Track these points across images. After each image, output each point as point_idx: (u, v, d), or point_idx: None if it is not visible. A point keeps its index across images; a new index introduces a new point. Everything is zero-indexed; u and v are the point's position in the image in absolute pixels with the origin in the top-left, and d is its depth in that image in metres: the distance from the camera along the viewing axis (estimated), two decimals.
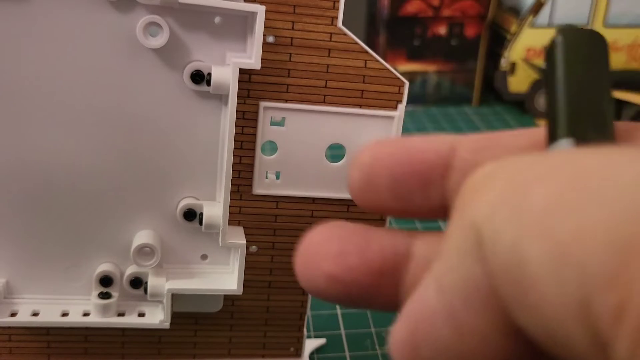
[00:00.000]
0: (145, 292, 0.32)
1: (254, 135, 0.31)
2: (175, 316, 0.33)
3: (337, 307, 0.43)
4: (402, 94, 0.31)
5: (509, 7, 0.76)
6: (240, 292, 0.32)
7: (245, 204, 0.32)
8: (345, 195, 0.33)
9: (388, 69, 0.31)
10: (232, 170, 0.30)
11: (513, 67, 0.73)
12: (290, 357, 0.37)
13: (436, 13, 0.72)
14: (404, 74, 0.33)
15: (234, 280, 0.32)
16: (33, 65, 0.28)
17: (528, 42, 0.73)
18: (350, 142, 0.32)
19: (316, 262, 0.14)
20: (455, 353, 0.11)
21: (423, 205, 0.14)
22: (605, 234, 0.08)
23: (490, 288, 0.10)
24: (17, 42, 0.28)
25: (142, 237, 0.31)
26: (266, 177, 0.32)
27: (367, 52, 0.30)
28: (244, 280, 0.32)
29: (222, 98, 0.30)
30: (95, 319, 0.32)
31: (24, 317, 0.32)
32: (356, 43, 0.30)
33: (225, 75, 0.28)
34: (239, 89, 0.28)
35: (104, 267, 0.32)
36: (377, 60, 0.30)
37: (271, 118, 0.31)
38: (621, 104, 0.65)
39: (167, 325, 0.32)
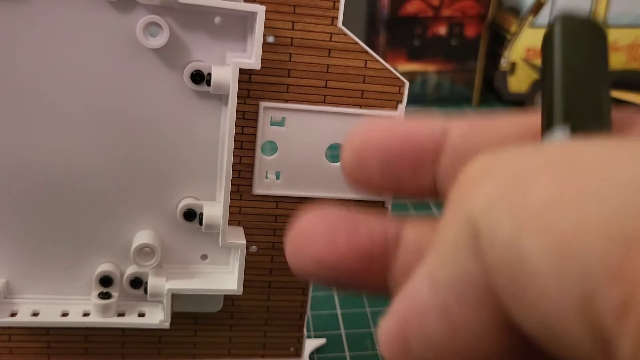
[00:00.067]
0: (145, 292, 0.32)
1: (254, 135, 0.31)
2: (175, 316, 0.33)
3: (337, 307, 0.43)
4: (402, 94, 0.31)
5: (509, 7, 0.76)
6: (240, 292, 0.32)
7: (245, 204, 0.32)
8: (346, 195, 0.33)
9: (388, 69, 0.31)
10: (232, 170, 0.30)
11: (513, 67, 0.73)
12: (290, 357, 0.37)
13: (436, 13, 0.72)
14: (404, 74, 0.33)
15: (234, 280, 0.32)
16: (33, 66, 0.28)
17: (528, 42, 0.73)
18: None
19: (305, 246, 0.14)
20: (447, 348, 0.10)
21: (413, 186, 0.14)
22: (607, 228, 0.08)
23: (485, 283, 0.10)
24: (17, 42, 0.28)
25: (142, 237, 0.31)
26: (266, 177, 0.32)
27: (367, 52, 0.30)
28: (244, 280, 0.32)
29: (222, 98, 0.30)
30: (95, 319, 0.32)
31: (24, 317, 0.32)
32: (356, 43, 0.30)
33: (225, 75, 0.28)
34: (239, 89, 0.28)
35: (104, 267, 0.32)
36: (377, 60, 0.30)
37: (271, 118, 0.31)
38: (621, 104, 0.65)
39: (167, 325, 0.32)
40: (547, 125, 0.12)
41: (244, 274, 0.32)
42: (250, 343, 0.36)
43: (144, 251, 0.31)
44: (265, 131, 0.31)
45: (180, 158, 0.31)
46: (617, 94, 0.69)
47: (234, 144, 0.29)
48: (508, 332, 0.10)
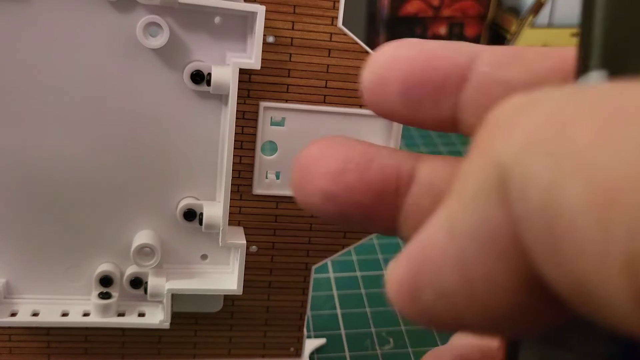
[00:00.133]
0: (145, 292, 0.32)
1: (254, 135, 0.31)
2: (175, 316, 0.33)
3: (337, 307, 0.43)
4: None
5: (509, 7, 0.76)
6: (240, 292, 0.32)
7: (245, 204, 0.32)
8: None
9: None
10: (232, 170, 0.30)
11: None
12: (290, 357, 0.37)
13: (436, 13, 0.72)
14: None
15: (234, 280, 0.32)
16: (32, 66, 0.28)
17: (528, 42, 0.73)
18: None
19: (313, 178, 0.13)
20: (461, 300, 0.10)
21: (432, 115, 0.13)
22: None
23: (510, 234, 0.09)
24: (17, 42, 0.28)
25: (142, 237, 0.31)
26: (266, 177, 0.32)
27: (367, 52, 0.30)
28: (244, 280, 0.32)
29: (222, 98, 0.30)
30: (95, 319, 0.32)
31: (24, 317, 0.32)
32: (356, 43, 0.30)
33: (225, 75, 0.28)
34: (239, 89, 0.28)
35: (104, 267, 0.32)
36: None
37: (271, 118, 0.31)
38: None
39: (167, 325, 0.32)
40: (582, 68, 0.11)
41: (244, 274, 0.32)
42: (250, 343, 0.36)
43: (144, 251, 0.31)
44: (265, 131, 0.31)
45: (180, 158, 0.31)
46: None
47: (234, 144, 0.29)
48: (529, 287, 0.09)
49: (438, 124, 0.14)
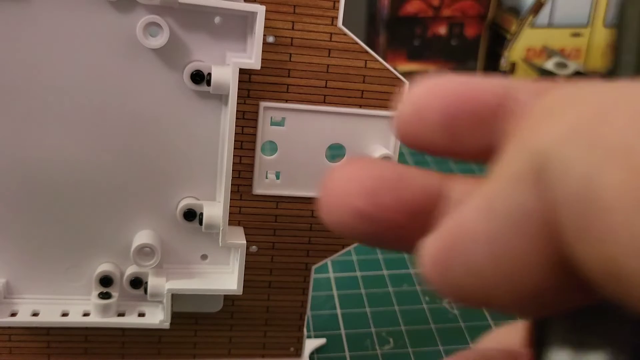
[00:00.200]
0: (145, 292, 0.32)
1: (254, 135, 0.31)
2: (175, 316, 0.33)
3: (337, 307, 0.43)
4: (402, 94, 0.31)
5: (509, 7, 0.76)
6: (240, 292, 0.32)
7: (245, 204, 0.32)
8: None
9: (388, 69, 0.31)
10: (232, 170, 0.30)
11: (513, 67, 0.73)
12: (290, 357, 0.37)
13: (436, 13, 0.72)
14: (404, 74, 0.33)
15: (234, 280, 0.32)
16: (33, 66, 0.28)
17: (528, 42, 0.73)
18: (350, 142, 0.32)
19: (345, 197, 0.13)
20: (489, 277, 0.10)
21: (471, 145, 0.13)
22: None
23: (544, 217, 0.10)
24: (17, 42, 0.28)
25: (142, 237, 0.31)
26: (266, 177, 0.32)
27: (367, 52, 0.30)
28: (244, 280, 0.32)
29: (222, 98, 0.30)
30: (95, 319, 0.32)
31: (24, 317, 0.32)
32: (356, 43, 0.30)
33: (225, 75, 0.28)
34: (239, 89, 0.28)
35: (104, 267, 0.32)
36: (377, 61, 0.30)
37: (271, 118, 0.31)
38: None
39: (167, 325, 0.32)
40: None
41: (244, 274, 0.32)
42: (250, 343, 0.36)
43: (144, 251, 0.31)
44: (265, 131, 0.31)
45: (181, 158, 0.31)
46: None
47: (234, 144, 0.29)
48: (557, 269, 0.10)
49: (476, 154, 0.14)
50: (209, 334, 0.36)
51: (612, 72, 0.11)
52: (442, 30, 0.73)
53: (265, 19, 0.27)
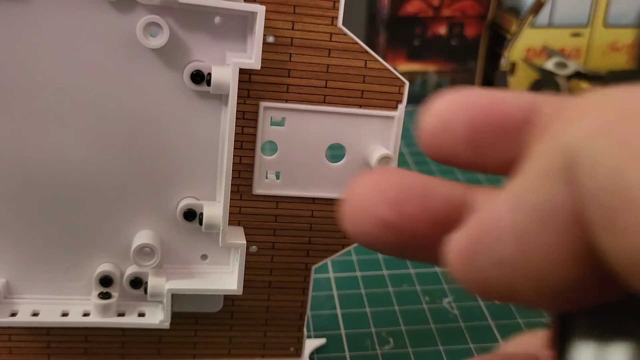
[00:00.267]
0: (145, 292, 0.32)
1: (254, 135, 0.31)
2: (175, 316, 0.33)
3: (337, 307, 0.43)
4: (402, 94, 0.31)
5: (509, 7, 0.76)
6: (240, 292, 0.32)
7: (245, 204, 0.32)
8: None
9: (388, 69, 0.31)
10: (232, 170, 0.30)
11: (513, 67, 0.73)
12: (290, 357, 0.37)
13: (436, 13, 0.72)
14: (404, 74, 0.33)
15: (234, 280, 0.32)
16: (33, 66, 0.28)
17: (528, 42, 0.73)
18: (350, 142, 0.32)
19: (369, 207, 0.14)
20: (515, 270, 0.11)
21: (496, 158, 0.14)
22: None
23: (572, 211, 0.10)
24: (17, 42, 0.28)
25: (142, 237, 0.31)
26: (266, 177, 0.32)
27: (367, 52, 0.30)
28: (244, 280, 0.32)
29: (222, 98, 0.30)
30: (95, 319, 0.32)
31: (24, 317, 0.32)
32: (356, 43, 0.30)
33: (225, 75, 0.28)
34: (239, 89, 0.28)
35: (104, 267, 0.32)
36: (377, 60, 0.30)
37: (271, 118, 0.31)
38: None
39: (167, 325, 0.32)
40: None
41: (244, 274, 0.32)
42: (250, 343, 0.36)
43: (144, 251, 0.31)
44: (265, 131, 0.31)
45: (181, 158, 0.31)
46: None
47: (234, 144, 0.29)
48: (582, 263, 0.10)
49: (500, 167, 0.14)
50: (209, 334, 0.36)
51: (638, 71, 0.12)
52: (442, 30, 0.73)
53: (265, 19, 0.27)
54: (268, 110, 0.31)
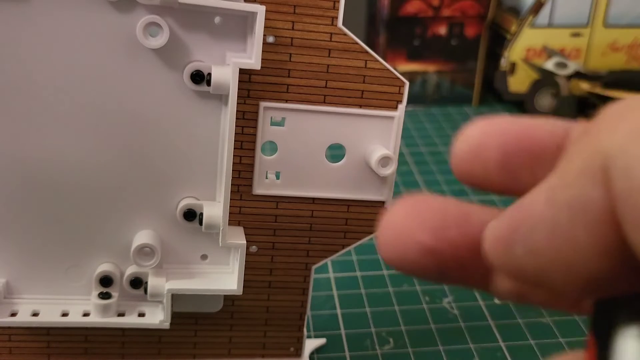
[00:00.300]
0: (145, 292, 0.32)
1: (254, 135, 0.31)
2: (175, 316, 0.33)
3: (337, 307, 0.43)
4: (402, 94, 0.31)
5: (509, 7, 0.76)
6: (240, 292, 0.32)
7: (245, 204, 0.32)
8: (346, 195, 0.33)
9: (388, 69, 0.31)
10: (232, 170, 0.30)
11: (513, 67, 0.73)
12: (290, 357, 0.37)
13: (436, 13, 0.72)
14: (404, 74, 0.33)
15: (234, 280, 0.32)
16: (33, 66, 0.28)
17: (528, 42, 0.73)
18: (350, 142, 0.32)
19: (411, 233, 0.14)
20: (548, 260, 0.11)
21: (528, 183, 0.14)
22: None
23: (605, 208, 0.10)
24: (17, 42, 0.28)
25: (142, 237, 0.31)
26: (266, 177, 0.32)
27: (367, 52, 0.30)
28: (244, 280, 0.32)
29: (222, 98, 0.30)
30: (95, 319, 0.32)
31: (24, 317, 0.32)
32: (356, 43, 0.30)
33: (225, 75, 0.28)
34: (239, 89, 0.28)
35: (104, 267, 0.32)
36: (377, 61, 0.30)
37: (271, 118, 0.31)
38: None
39: (167, 325, 0.32)
40: None
41: (244, 274, 0.32)
42: (250, 343, 0.36)
43: (144, 251, 0.31)
44: (265, 131, 0.31)
45: (181, 158, 0.31)
46: (617, 94, 0.69)
47: (234, 144, 0.29)
48: (612, 257, 0.11)
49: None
50: (209, 334, 0.36)
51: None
52: (442, 30, 0.73)
53: (265, 19, 0.27)
54: (268, 110, 0.31)
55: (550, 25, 0.72)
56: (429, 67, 0.75)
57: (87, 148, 0.30)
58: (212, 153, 0.31)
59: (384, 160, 0.31)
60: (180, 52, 0.29)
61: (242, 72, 0.28)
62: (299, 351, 0.37)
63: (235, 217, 0.32)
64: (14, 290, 0.32)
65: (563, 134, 0.14)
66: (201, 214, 0.31)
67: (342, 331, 0.41)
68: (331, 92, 0.31)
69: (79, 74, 0.29)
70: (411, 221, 0.14)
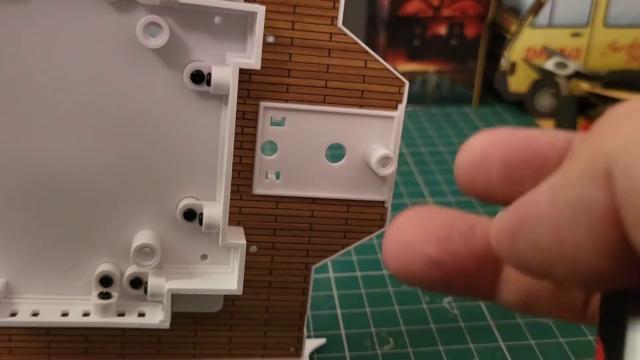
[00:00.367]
0: (145, 292, 0.32)
1: (254, 135, 0.31)
2: (175, 316, 0.33)
3: (337, 307, 0.43)
4: (402, 94, 0.31)
5: (509, 7, 0.76)
6: (240, 292, 0.32)
7: (245, 204, 0.32)
8: (346, 195, 0.33)
9: (388, 69, 0.31)
10: (232, 170, 0.30)
11: (513, 67, 0.73)
12: (290, 357, 0.37)
13: (436, 13, 0.72)
14: (404, 74, 0.33)
15: (234, 280, 0.32)
16: (32, 66, 0.28)
17: (528, 42, 0.73)
18: (350, 142, 0.32)
19: (416, 245, 0.14)
20: (550, 255, 0.12)
21: None
22: None
23: (606, 208, 0.11)
24: (17, 42, 0.28)
25: (142, 237, 0.31)
26: (266, 177, 0.32)
27: (367, 52, 0.30)
28: (244, 280, 0.32)
29: (222, 98, 0.30)
30: (95, 319, 0.32)
31: (24, 317, 0.32)
32: (356, 43, 0.30)
33: (225, 75, 0.28)
34: (239, 89, 0.28)
35: (104, 267, 0.32)
36: (377, 60, 0.30)
37: (271, 118, 0.31)
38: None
39: (167, 325, 0.32)
40: None
41: (244, 274, 0.32)
42: (250, 343, 0.36)
43: (144, 251, 0.31)
44: (265, 131, 0.31)
45: (181, 158, 0.31)
46: (617, 94, 0.69)
47: (234, 144, 0.29)
48: (614, 255, 0.11)
49: None
50: (209, 334, 0.36)
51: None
52: (442, 30, 0.73)
53: (265, 19, 0.27)
54: (268, 110, 0.31)
55: (550, 25, 0.72)
56: (429, 67, 0.75)
57: (87, 148, 0.30)
58: (212, 153, 0.31)
59: (384, 160, 0.31)
60: (180, 52, 0.29)
61: (242, 72, 0.28)
62: (299, 351, 0.37)
63: (235, 217, 0.32)
64: (14, 290, 0.32)
65: (565, 145, 0.14)
66: (201, 214, 0.31)
67: (342, 331, 0.41)
68: (331, 92, 0.31)
69: (79, 74, 0.29)
70: (417, 233, 0.14)
